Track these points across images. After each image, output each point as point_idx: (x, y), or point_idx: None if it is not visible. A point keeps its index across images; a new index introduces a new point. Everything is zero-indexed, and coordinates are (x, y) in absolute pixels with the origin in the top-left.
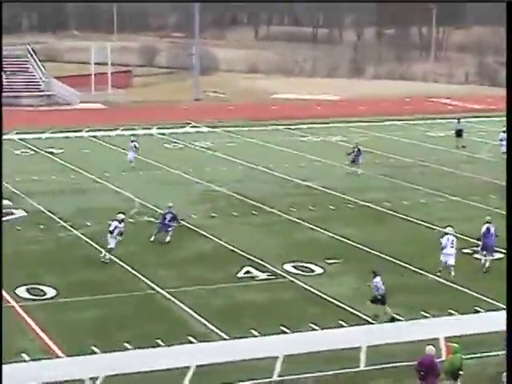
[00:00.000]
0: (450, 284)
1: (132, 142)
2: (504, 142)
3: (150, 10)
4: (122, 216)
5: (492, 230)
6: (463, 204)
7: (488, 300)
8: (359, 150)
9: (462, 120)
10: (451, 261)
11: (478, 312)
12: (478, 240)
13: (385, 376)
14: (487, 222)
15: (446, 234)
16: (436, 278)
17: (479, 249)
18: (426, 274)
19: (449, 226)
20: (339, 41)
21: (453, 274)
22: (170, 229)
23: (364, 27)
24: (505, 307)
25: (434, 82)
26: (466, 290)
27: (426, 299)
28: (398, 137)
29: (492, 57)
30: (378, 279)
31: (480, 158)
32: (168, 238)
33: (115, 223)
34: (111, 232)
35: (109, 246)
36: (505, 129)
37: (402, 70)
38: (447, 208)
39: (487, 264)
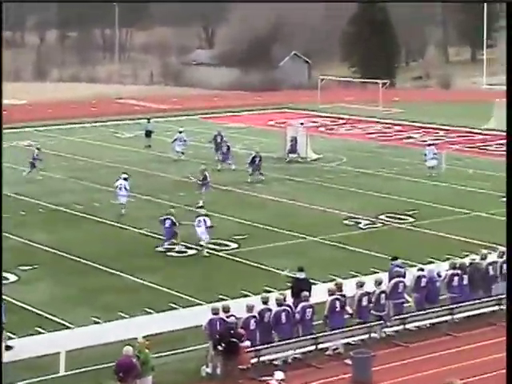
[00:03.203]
0: (146, 284)
1: None
2: (179, 143)
3: None
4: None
5: (168, 223)
6: (155, 203)
7: (184, 297)
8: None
9: (151, 120)
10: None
11: (174, 309)
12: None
13: (85, 380)
14: (167, 215)
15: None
16: (132, 278)
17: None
18: (121, 274)
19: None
20: (21, 44)
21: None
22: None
23: (46, 29)
24: (201, 303)
25: (119, 84)
26: (162, 289)
27: (123, 300)
28: (86, 139)
29: (175, 57)
30: None
31: (168, 157)
32: None
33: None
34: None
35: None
36: (181, 129)
37: (86, 72)
38: (140, 207)
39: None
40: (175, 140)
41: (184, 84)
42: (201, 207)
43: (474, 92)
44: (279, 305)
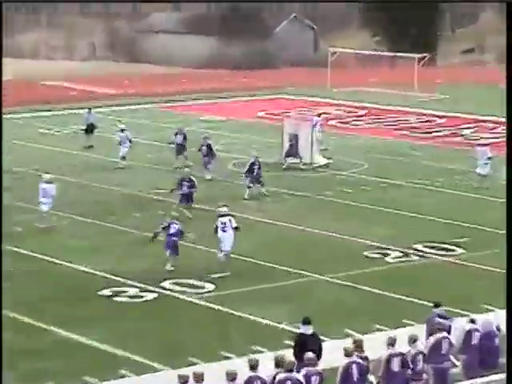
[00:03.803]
0: (84, 342)
1: None
2: (125, 144)
3: None
4: None
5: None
6: (97, 226)
7: (139, 360)
8: None
9: (93, 110)
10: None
11: (124, 377)
12: None
13: None
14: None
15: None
16: (65, 333)
17: None
18: (49, 328)
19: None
20: None
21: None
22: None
23: None
24: (163, 369)
25: (47, 59)
26: (107, 349)
27: (51, 366)
28: None
29: (127, 22)
30: None
31: (117, 161)
32: None
33: None
34: None
35: None
36: (123, 126)
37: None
38: (75, 233)
39: None
40: (120, 143)
41: (139, 60)
42: (224, 205)
43: None
44: (289, 370)
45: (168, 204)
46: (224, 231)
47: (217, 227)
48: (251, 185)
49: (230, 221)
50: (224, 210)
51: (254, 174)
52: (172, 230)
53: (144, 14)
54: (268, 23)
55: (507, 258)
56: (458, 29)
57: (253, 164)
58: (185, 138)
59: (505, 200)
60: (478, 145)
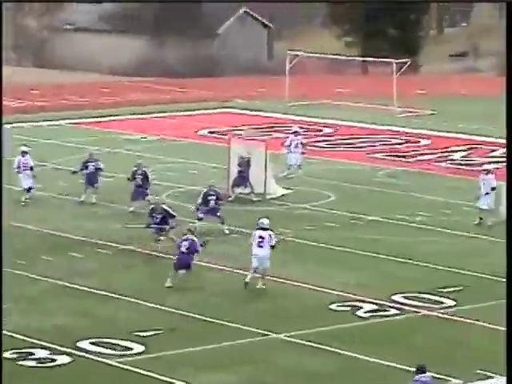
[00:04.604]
0: None
1: None
2: (27, 172)
3: None
4: None
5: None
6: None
7: None
8: None
9: None
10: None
11: None
12: None
13: None
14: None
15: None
16: None
17: None
18: None
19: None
20: None
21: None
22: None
23: None
24: None
25: None
26: None
27: None
28: None
29: (35, 18)
30: None
31: (20, 191)
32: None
33: None
34: None
35: None
36: (26, 148)
37: None
38: None
39: None
40: (18, 168)
41: (51, 64)
42: (265, 217)
43: None
44: None
45: (90, 244)
46: (260, 247)
47: (253, 241)
48: (202, 215)
49: (269, 236)
50: (266, 222)
51: (210, 206)
52: (183, 248)
53: (56, 8)
54: (211, 20)
55: (507, 258)
56: (446, 27)
57: (207, 195)
58: (146, 177)
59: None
60: (483, 171)
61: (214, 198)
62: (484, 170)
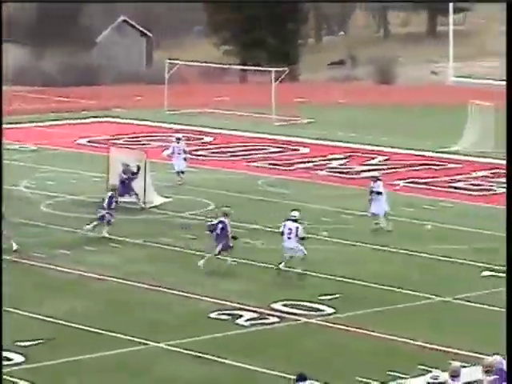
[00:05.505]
0: None
1: None
2: None
3: None
4: None
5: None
6: None
7: None
8: None
9: None
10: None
11: None
12: None
13: None
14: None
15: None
16: None
17: None
18: None
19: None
20: None
21: None
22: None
23: None
24: None
25: None
26: None
27: None
28: None
29: None
30: None
31: None
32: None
33: None
34: None
35: None
36: None
37: None
38: None
39: None
40: None
41: None
42: (296, 210)
43: (432, 88)
44: None
45: None
46: (289, 238)
47: (283, 233)
48: (100, 220)
49: (296, 229)
50: (296, 214)
51: (112, 206)
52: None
53: None
54: (89, 28)
55: (507, 258)
56: (325, 35)
57: (112, 198)
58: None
59: (391, 248)
60: (372, 179)
61: (115, 202)
62: (373, 177)
